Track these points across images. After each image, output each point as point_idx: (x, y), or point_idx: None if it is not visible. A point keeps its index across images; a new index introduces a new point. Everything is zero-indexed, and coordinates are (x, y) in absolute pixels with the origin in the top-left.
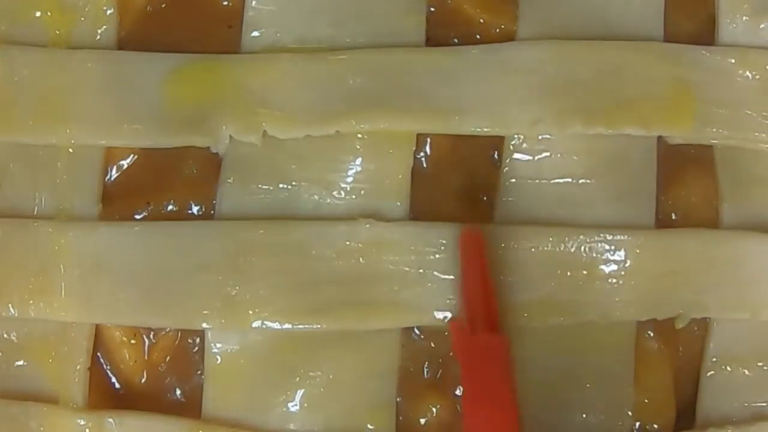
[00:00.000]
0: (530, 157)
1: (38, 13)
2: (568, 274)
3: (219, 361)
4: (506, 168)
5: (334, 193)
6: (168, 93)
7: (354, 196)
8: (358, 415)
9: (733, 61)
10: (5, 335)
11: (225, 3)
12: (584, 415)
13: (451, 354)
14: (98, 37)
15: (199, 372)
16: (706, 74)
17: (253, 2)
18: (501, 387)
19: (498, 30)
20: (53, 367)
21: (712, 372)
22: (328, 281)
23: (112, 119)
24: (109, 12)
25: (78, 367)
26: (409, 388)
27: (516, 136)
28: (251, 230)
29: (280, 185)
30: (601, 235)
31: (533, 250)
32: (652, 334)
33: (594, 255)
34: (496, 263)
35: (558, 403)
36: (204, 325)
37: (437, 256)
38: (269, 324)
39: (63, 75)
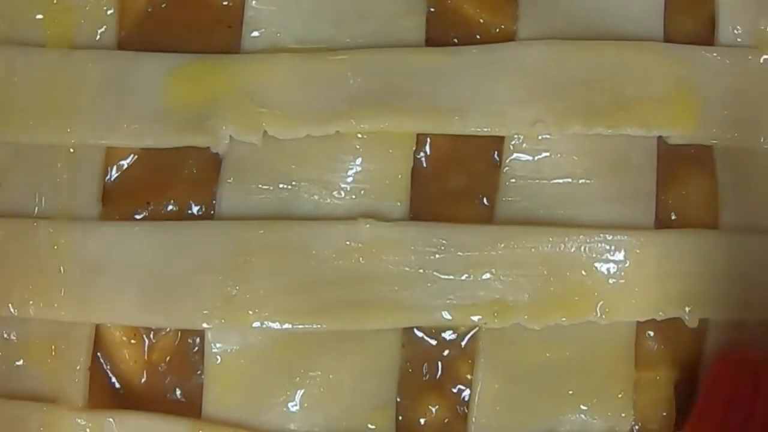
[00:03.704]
0: (530, 157)
1: (39, 15)
2: (568, 274)
3: (219, 361)
4: (506, 168)
5: (334, 193)
6: (168, 93)
7: (354, 196)
8: (358, 415)
9: (733, 61)
10: (5, 335)
11: (225, 3)
12: (584, 415)
13: (450, 354)
14: (98, 37)
15: (199, 372)
16: (706, 74)
17: (253, 2)
18: None
19: (498, 30)
20: (53, 367)
21: None
22: (328, 281)
23: (112, 119)
24: (109, 12)
25: (78, 367)
26: (409, 388)
27: (516, 136)
28: (251, 230)
29: (280, 185)
30: (601, 235)
31: (533, 250)
32: (652, 334)
33: (594, 255)
34: (496, 263)
35: (558, 402)
36: (204, 325)
37: (437, 256)
38: (269, 324)
39: (63, 75)
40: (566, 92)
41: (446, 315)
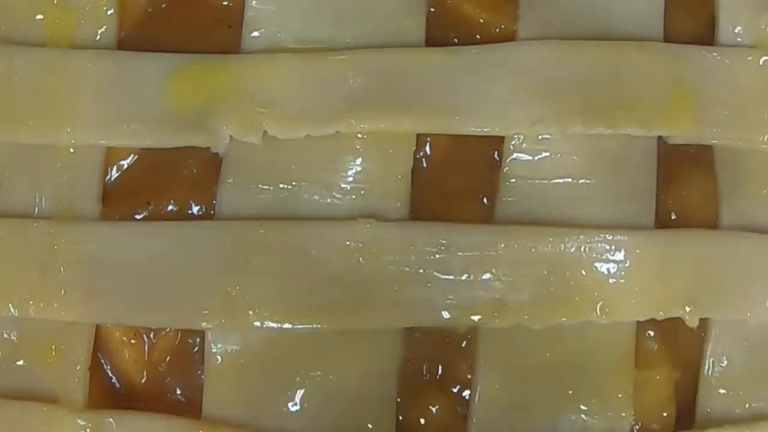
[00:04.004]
0: (530, 157)
1: (39, 15)
2: (568, 274)
3: (219, 361)
4: (506, 168)
5: (334, 193)
6: (168, 93)
7: (354, 196)
8: (358, 415)
9: (732, 61)
10: (5, 335)
11: (225, 3)
12: (584, 415)
13: (450, 354)
14: (98, 37)
15: (199, 372)
16: (706, 74)
17: (253, 2)
18: None
19: (498, 30)
20: (53, 367)
21: (712, 372)
22: (329, 281)
23: (112, 119)
24: (109, 12)
25: (78, 367)
26: (409, 388)
27: (516, 136)
28: (251, 230)
29: (280, 185)
30: (601, 235)
31: (533, 250)
32: (652, 334)
33: (594, 255)
34: (496, 263)
35: (558, 402)
36: (204, 325)
37: (437, 256)
38: (269, 324)
39: (63, 75)
40: (566, 92)
41: (446, 315)
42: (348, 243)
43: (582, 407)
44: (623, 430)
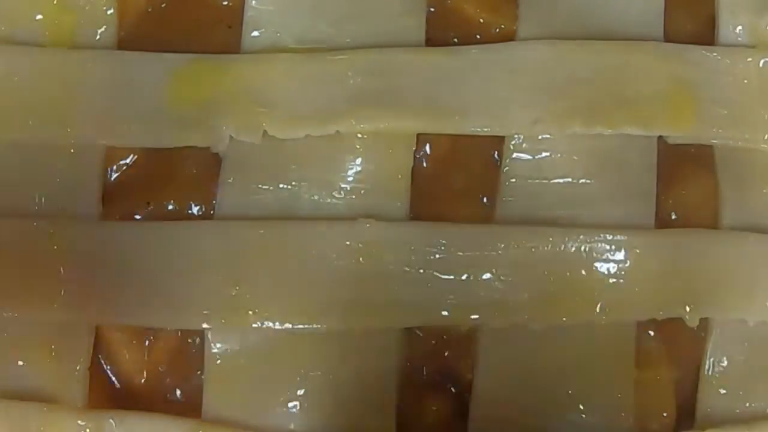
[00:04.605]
0: (530, 157)
1: (39, 15)
2: (568, 274)
3: (219, 361)
4: (506, 168)
5: (334, 193)
6: (168, 93)
7: (354, 196)
8: (358, 415)
9: (733, 61)
10: (5, 335)
11: (225, 3)
12: (584, 415)
13: (450, 354)
14: (98, 37)
15: (199, 372)
16: (706, 74)
17: (253, 2)
18: None
19: (498, 30)
20: (53, 367)
21: (712, 372)
22: (329, 281)
23: (112, 119)
24: (109, 12)
25: (78, 367)
26: (409, 388)
27: (516, 136)
28: (251, 230)
29: (280, 185)
30: (601, 235)
31: (533, 250)
32: (652, 334)
33: (594, 255)
34: (496, 263)
35: (558, 402)
36: (204, 325)
37: (437, 256)
38: (269, 324)
39: (63, 75)
40: (566, 92)
41: (446, 315)
42: (348, 243)
43: (582, 407)
44: (623, 430)
